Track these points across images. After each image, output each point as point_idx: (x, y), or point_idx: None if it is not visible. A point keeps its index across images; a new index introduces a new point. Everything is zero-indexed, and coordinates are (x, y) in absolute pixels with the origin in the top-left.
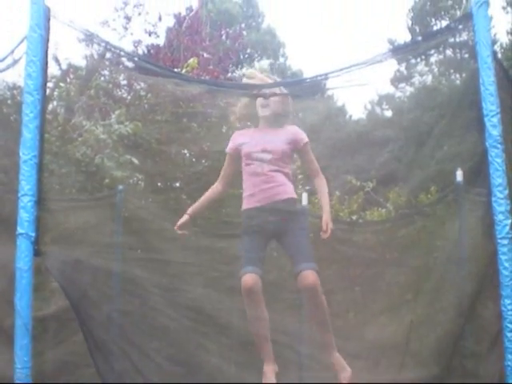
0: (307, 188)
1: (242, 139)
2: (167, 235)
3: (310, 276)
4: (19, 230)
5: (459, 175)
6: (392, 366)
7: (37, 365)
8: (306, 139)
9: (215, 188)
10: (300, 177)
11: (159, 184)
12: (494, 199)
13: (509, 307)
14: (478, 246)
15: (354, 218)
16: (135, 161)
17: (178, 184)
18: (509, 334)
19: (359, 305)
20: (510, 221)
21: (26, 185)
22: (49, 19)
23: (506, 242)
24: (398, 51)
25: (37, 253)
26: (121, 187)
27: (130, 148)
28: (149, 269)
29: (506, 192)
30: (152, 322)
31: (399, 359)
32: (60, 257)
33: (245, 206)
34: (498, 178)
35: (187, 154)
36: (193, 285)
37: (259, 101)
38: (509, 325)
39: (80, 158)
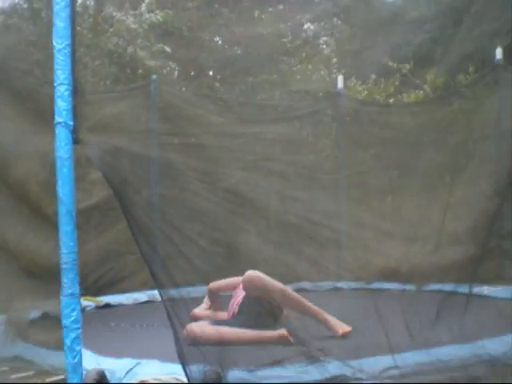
0: (343, 71)
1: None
2: (202, 121)
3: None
4: (57, 119)
5: (499, 53)
6: (427, 245)
7: (80, 255)
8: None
9: None
10: (334, 60)
11: (192, 72)
12: None
13: None
14: None
15: (391, 101)
16: (168, 49)
17: (210, 73)
18: None
19: (397, 187)
20: None
21: (62, 74)
22: None
23: None
24: None
25: (76, 141)
26: (155, 77)
27: (161, 37)
28: (185, 154)
29: None
30: (192, 206)
31: (435, 238)
32: (99, 145)
33: None
34: None
35: (219, 41)
36: (230, 168)
37: None
38: None
39: (112, 48)
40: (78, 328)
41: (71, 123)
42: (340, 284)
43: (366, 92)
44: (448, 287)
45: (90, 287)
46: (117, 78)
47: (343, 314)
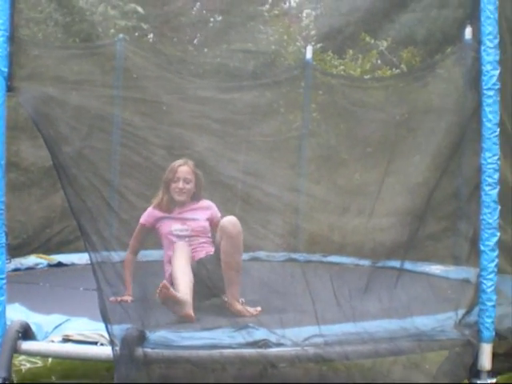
0: (319, 45)
1: (161, 215)
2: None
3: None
4: None
5: (468, 33)
6: (362, 213)
7: (38, 212)
8: (219, 215)
9: (130, 259)
10: (313, 32)
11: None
12: (483, 48)
13: (489, 160)
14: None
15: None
16: (140, 10)
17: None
18: (486, 188)
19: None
20: (497, 71)
21: None
22: None
23: (491, 93)
24: None
25: (9, 88)
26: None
27: None
28: (121, 106)
29: (497, 41)
30: (124, 160)
31: (370, 209)
32: (33, 93)
33: None
34: (488, 26)
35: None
36: (165, 124)
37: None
38: (487, 178)
39: (84, 6)
40: (2, 278)
41: (5, 70)
42: (295, 255)
43: (342, 67)
44: (397, 264)
45: (45, 244)
46: (88, 37)
47: (276, 286)
